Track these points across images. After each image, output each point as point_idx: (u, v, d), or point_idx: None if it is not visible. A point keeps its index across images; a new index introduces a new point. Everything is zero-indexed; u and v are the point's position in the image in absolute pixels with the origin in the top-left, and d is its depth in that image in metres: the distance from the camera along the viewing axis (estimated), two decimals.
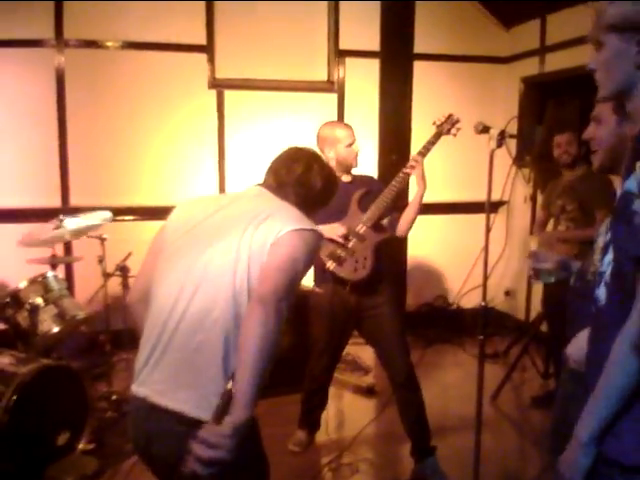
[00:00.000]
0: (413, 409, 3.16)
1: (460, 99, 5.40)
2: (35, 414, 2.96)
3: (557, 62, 4.96)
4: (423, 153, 3.12)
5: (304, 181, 1.90)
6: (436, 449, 3.21)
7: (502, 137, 2.64)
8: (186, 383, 1.60)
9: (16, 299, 3.33)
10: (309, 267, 1.73)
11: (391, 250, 3.11)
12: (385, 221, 3.17)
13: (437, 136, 3.15)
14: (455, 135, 3.17)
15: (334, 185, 2.03)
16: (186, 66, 5.04)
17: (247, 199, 1.86)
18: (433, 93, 5.43)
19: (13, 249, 3.75)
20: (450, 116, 3.16)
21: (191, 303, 1.65)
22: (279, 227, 1.66)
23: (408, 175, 3.10)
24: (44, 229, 3.64)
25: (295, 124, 5.08)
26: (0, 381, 2.94)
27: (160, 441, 1.63)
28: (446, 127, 3.14)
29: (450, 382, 4.65)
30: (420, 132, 5.51)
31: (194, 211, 1.86)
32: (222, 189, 5.19)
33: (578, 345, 1.79)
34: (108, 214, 3.86)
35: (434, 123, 3.18)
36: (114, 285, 3.95)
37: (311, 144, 5.12)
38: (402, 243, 4.78)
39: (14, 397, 2.86)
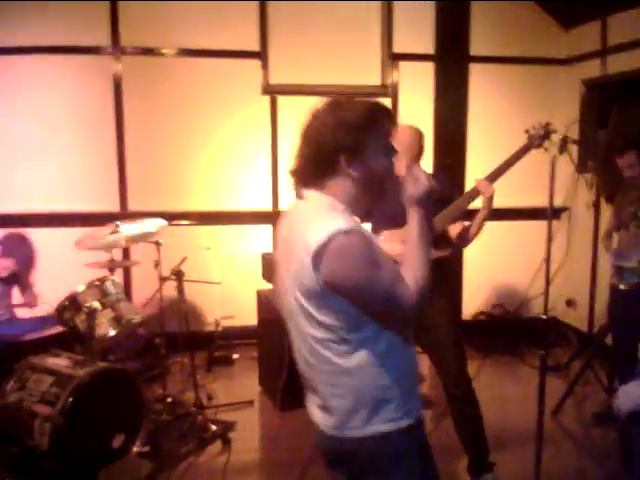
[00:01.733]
0: (470, 423, 3.06)
1: (518, 102, 5.27)
2: (91, 416, 3.01)
3: (620, 64, 4.76)
4: (504, 170, 2.87)
5: (310, 137, 1.65)
6: (494, 465, 3.10)
7: (564, 143, 2.53)
8: None
9: (74, 302, 3.40)
10: (374, 262, 1.56)
11: (447, 258, 3.01)
12: (455, 230, 3.08)
13: (525, 149, 2.83)
14: (547, 149, 2.72)
15: (369, 115, 1.63)
16: (240, 72, 5.08)
17: (293, 217, 1.73)
18: (489, 96, 5.32)
19: (72, 253, 3.83)
20: (547, 125, 2.79)
21: None
22: (305, 261, 1.54)
23: (478, 194, 2.92)
24: (100, 233, 3.71)
25: None
26: (57, 383, 3.00)
27: None
28: (537, 139, 2.78)
29: (509, 395, 4.51)
30: (475, 136, 5.44)
31: (282, 227, 1.78)
32: (275, 196, 5.20)
33: (630, 397, 1.68)
34: (163, 222, 3.90)
35: (527, 132, 2.85)
36: (169, 289, 3.99)
37: None
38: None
39: (70, 399, 2.91)
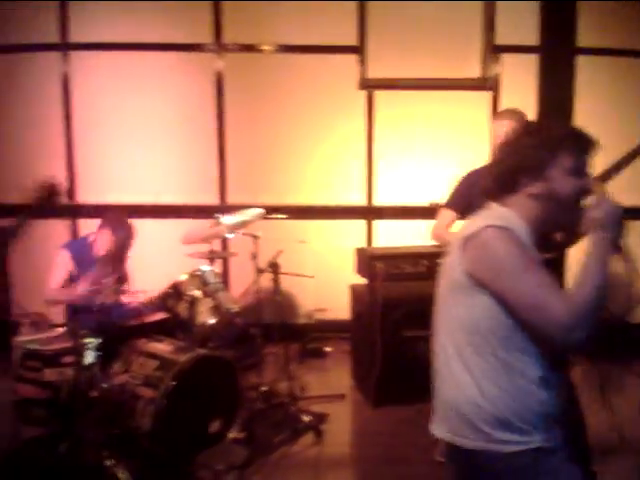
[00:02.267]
0: (572, 430, 2.92)
1: (629, 97, 4.98)
2: (191, 401, 3.10)
3: None
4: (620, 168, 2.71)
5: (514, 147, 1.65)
6: (597, 475, 2.95)
7: None
8: None
9: (177, 291, 3.52)
10: (522, 262, 1.51)
11: (553, 260, 2.88)
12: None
13: None
14: None
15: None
16: (337, 67, 5.10)
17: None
18: (598, 90, 5.05)
19: (175, 243, 3.97)
20: None
21: None
22: (455, 254, 1.58)
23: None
24: (203, 226, 3.82)
25: (447, 124, 4.95)
26: (161, 367, 3.13)
27: None
28: None
29: (615, 404, 4.26)
30: None
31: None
32: (369, 191, 5.18)
33: None
34: (261, 210, 3.96)
35: None
36: (265, 281, 4.05)
37: (465, 144, 5.03)
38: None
39: (173, 383, 3.01)
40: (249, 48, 5.06)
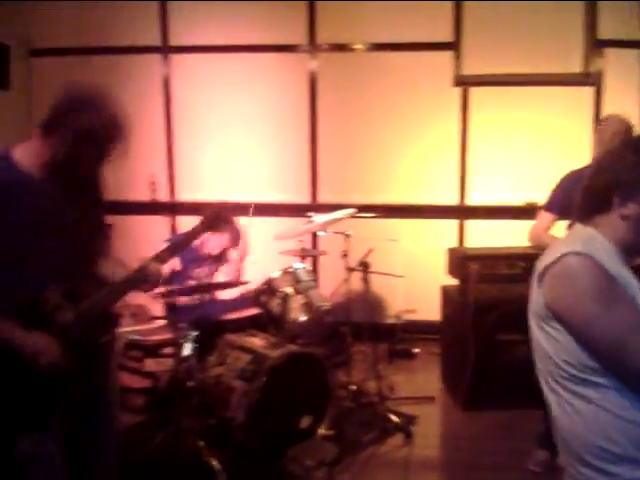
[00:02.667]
0: None
1: None
2: (283, 395, 3.15)
3: None
4: None
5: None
6: None
7: None
8: None
9: (270, 287, 3.59)
10: (605, 295, 1.39)
11: None
12: None
13: None
14: None
15: None
16: (430, 65, 5.03)
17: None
18: None
19: (268, 240, 4.04)
20: None
21: None
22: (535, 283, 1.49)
23: None
24: (297, 225, 3.87)
25: (546, 122, 4.78)
26: (254, 362, 3.20)
27: None
28: None
29: None
30: None
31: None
32: (462, 190, 5.08)
33: None
34: (353, 210, 3.98)
35: None
36: (354, 279, 4.06)
37: (565, 143, 4.84)
38: None
39: (265, 378, 3.07)
40: (342, 47, 5.09)
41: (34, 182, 1.77)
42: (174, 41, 5.22)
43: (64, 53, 5.30)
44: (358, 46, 5.08)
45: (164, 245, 2.18)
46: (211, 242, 3.84)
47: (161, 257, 2.06)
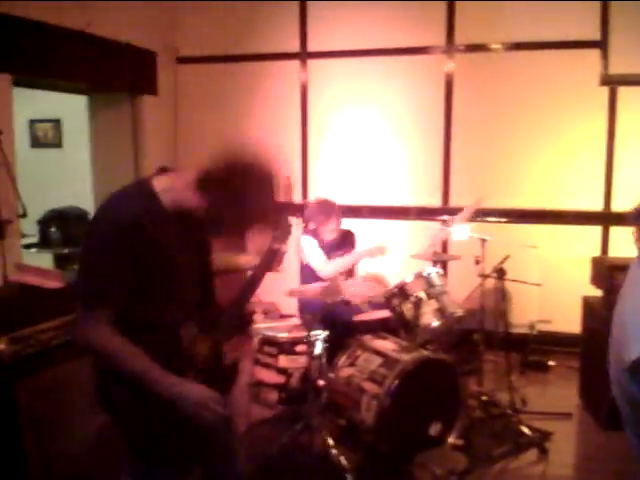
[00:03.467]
0: None
1: None
2: (413, 401, 3.13)
3: None
4: None
5: None
6: None
7: None
8: None
9: (402, 291, 3.57)
10: None
11: None
12: None
13: None
14: None
15: None
16: (574, 64, 4.78)
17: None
18: None
19: (400, 243, 4.04)
20: None
21: None
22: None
23: None
24: (430, 228, 3.83)
25: None
26: (385, 365, 3.20)
27: None
28: None
29: None
30: None
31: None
32: (607, 196, 4.78)
33: None
34: (489, 217, 3.87)
35: None
36: (487, 286, 3.94)
37: None
38: None
39: (396, 382, 3.06)
40: (479, 48, 4.96)
41: (171, 220, 1.77)
42: (312, 47, 5.35)
43: (207, 61, 5.60)
44: (496, 46, 4.93)
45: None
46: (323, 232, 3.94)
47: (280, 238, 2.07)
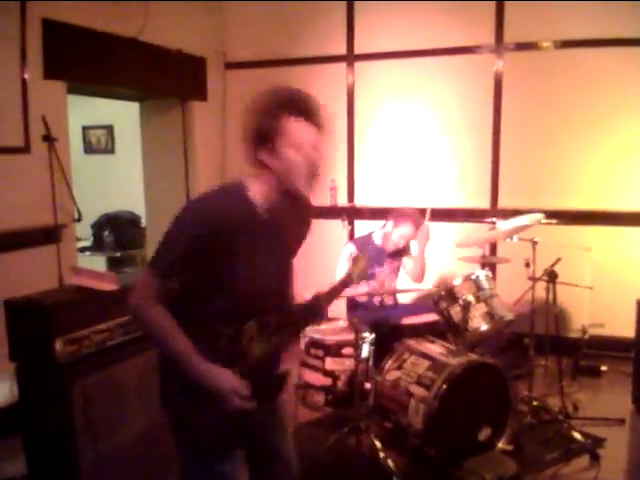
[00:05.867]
0: None
1: None
2: (462, 405, 3.10)
3: None
4: None
5: None
6: None
7: None
8: None
9: (451, 294, 3.55)
10: None
11: None
12: None
13: None
14: None
15: None
16: (627, 61, 4.67)
17: None
18: None
19: (447, 246, 4.01)
20: None
21: None
22: None
23: None
24: (478, 230, 3.79)
25: None
26: (433, 368, 3.18)
27: None
28: None
29: None
30: None
31: None
32: None
33: None
34: (539, 216, 3.80)
35: None
36: (538, 289, 3.88)
37: None
38: None
39: (445, 386, 3.04)
40: (529, 46, 4.89)
41: (261, 218, 1.84)
42: (359, 49, 5.36)
43: (255, 66, 5.67)
44: (546, 44, 4.85)
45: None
46: (395, 235, 3.92)
47: (331, 295, 2.05)
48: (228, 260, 1.78)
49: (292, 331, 2.01)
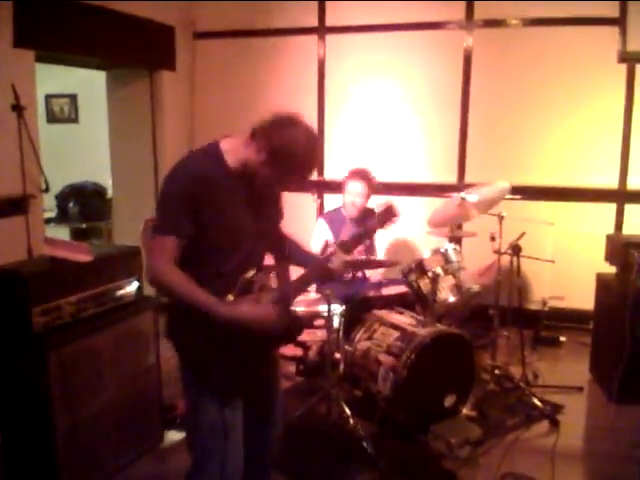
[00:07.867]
0: None
1: None
2: (428, 374, 3.20)
3: None
4: None
5: None
6: None
7: None
8: None
9: (420, 266, 3.63)
10: None
11: None
12: None
13: None
14: None
15: None
16: (592, 40, 4.76)
17: None
18: None
19: (417, 220, 4.08)
20: None
21: None
22: None
23: None
24: (448, 206, 3.87)
25: None
26: (402, 338, 3.27)
27: None
28: None
29: None
30: None
31: None
32: (623, 173, 4.79)
33: None
34: (506, 185, 3.89)
35: None
36: (503, 262, 3.99)
37: None
38: None
39: (413, 355, 3.14)
40: (497, 23, 4.94)
41: (235, 177, 1.94)
42: (330, 22, 5.34)
43: (224, 35, 5.60)
44: (515, 21, 4.91)
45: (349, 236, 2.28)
46: (347, 196, 4.00)
47: (346, 246, 2.16)
48: (216, 212, 1.90)
49: (301, 286, 2.11)
